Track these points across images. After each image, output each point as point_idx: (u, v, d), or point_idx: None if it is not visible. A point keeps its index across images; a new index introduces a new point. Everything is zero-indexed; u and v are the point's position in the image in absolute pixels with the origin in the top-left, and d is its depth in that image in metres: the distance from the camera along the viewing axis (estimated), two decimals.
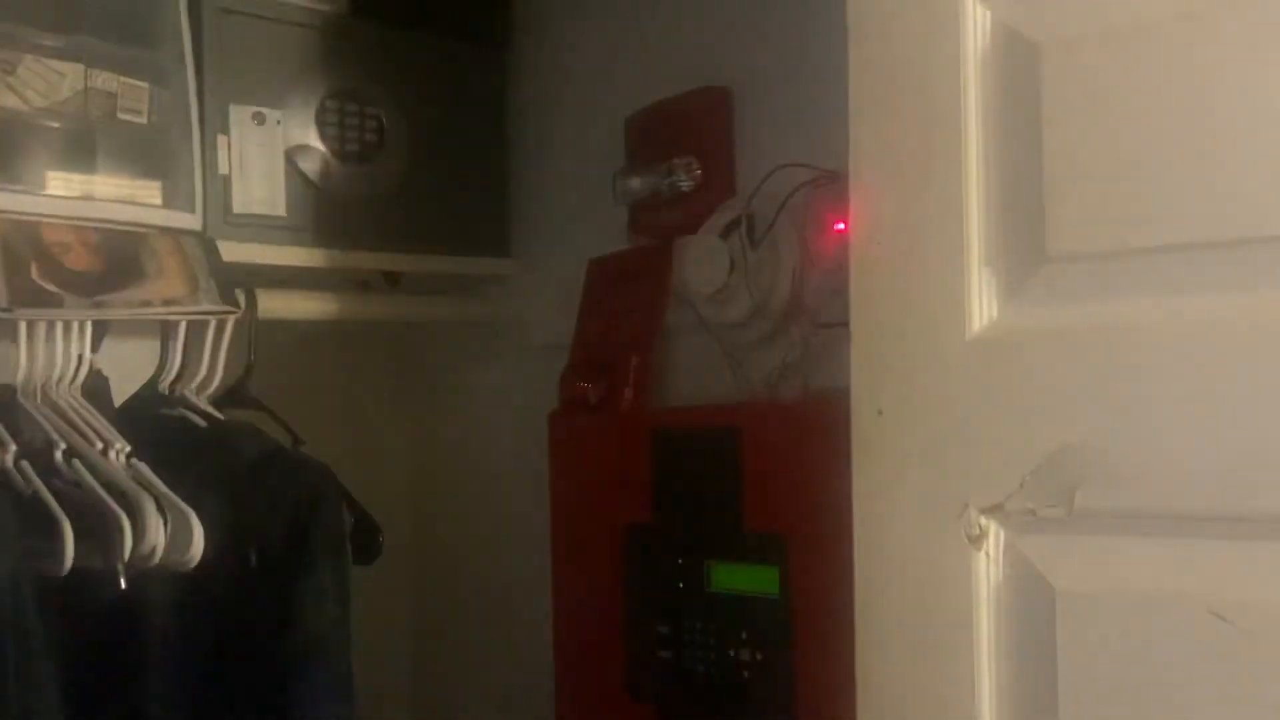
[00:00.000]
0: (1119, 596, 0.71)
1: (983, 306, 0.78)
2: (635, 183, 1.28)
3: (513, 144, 1.53)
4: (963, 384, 0.78)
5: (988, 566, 0.77)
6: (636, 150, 1.33)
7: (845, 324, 1.03)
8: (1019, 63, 0.77)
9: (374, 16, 1.43)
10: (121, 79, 1.19)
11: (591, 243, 1.40)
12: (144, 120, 1.21)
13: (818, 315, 1.07)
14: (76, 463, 1.02)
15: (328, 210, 1.37)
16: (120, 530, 0.96)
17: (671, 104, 1.29)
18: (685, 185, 1.23)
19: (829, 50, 1.16)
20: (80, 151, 1.17)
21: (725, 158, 1.24)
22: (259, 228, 1.32)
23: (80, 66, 1.17)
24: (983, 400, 0.77)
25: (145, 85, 1.20)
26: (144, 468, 1.04)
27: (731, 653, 1.08)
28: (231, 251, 1.27)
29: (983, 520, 0.77)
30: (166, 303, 1.16)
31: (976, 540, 0.77)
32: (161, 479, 1.04)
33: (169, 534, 0.99)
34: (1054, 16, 0.76)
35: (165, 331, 1.19)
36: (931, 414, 0.79)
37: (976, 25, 0.79)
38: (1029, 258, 0.77)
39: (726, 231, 1.10)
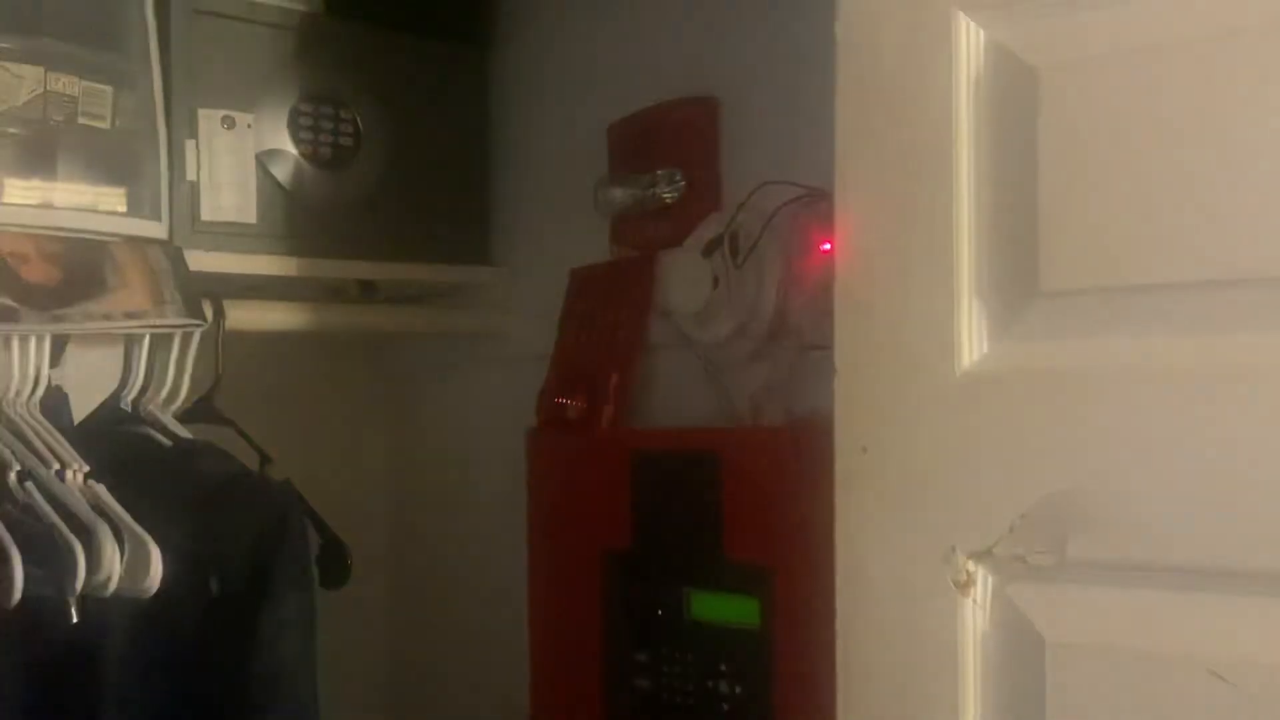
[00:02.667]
0: (1113, 651, 0.68)
1: (973, 341, 0.74)
2: (618, 193, 1.24)
3: (493, 149, 1.49)
4: (951, 422, 0.74)
5: (975, 613, 0.73)
6: (619, 159, 1.29)
7: (832, 347, 1.00)
8: (1015, 87, 0.73)
9: (350, 16, 1.38)
10: (83, 82, 1.15)
11: (573, 252, 1.36)
12: (107, 125, 1.16)
13: (803, 336, 1.03)
14: (30, 485, 0.98)
15: (301, 217, 1.33)
16: (73, 559, 0.92)
17: (656, 113, 1.25)
18: (669, 197, 1.19)
19: (820, 63, 1.12)
20: (39, 157, 1.12)
21: (711, 170, 1.20)
22: (228, 235, 1.28)
23: (40, 69, 1.12)
24: (971, 439, 0.74)
25: (108, 89, 1.16)
26: (102, 491, 1.00)
27: (710, 684, 1.05)
28: (199, 261, 1.23)
29: (970, 565, 0.73)
30: (129, 315, 1.12)
31: (963, 586, 0.74)
32: (121, 502, 1.00)
33: (125, 562, 0.95)
34: (1052, 40, 0.72)
35: (128, 345, 1.15)
36: (918, 452, 0.76)
37: (970, 46, 0.75)
38: (1022, 291, 0.73)
39: (710, 248, 1.06)
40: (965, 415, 0.74)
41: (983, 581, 0.73)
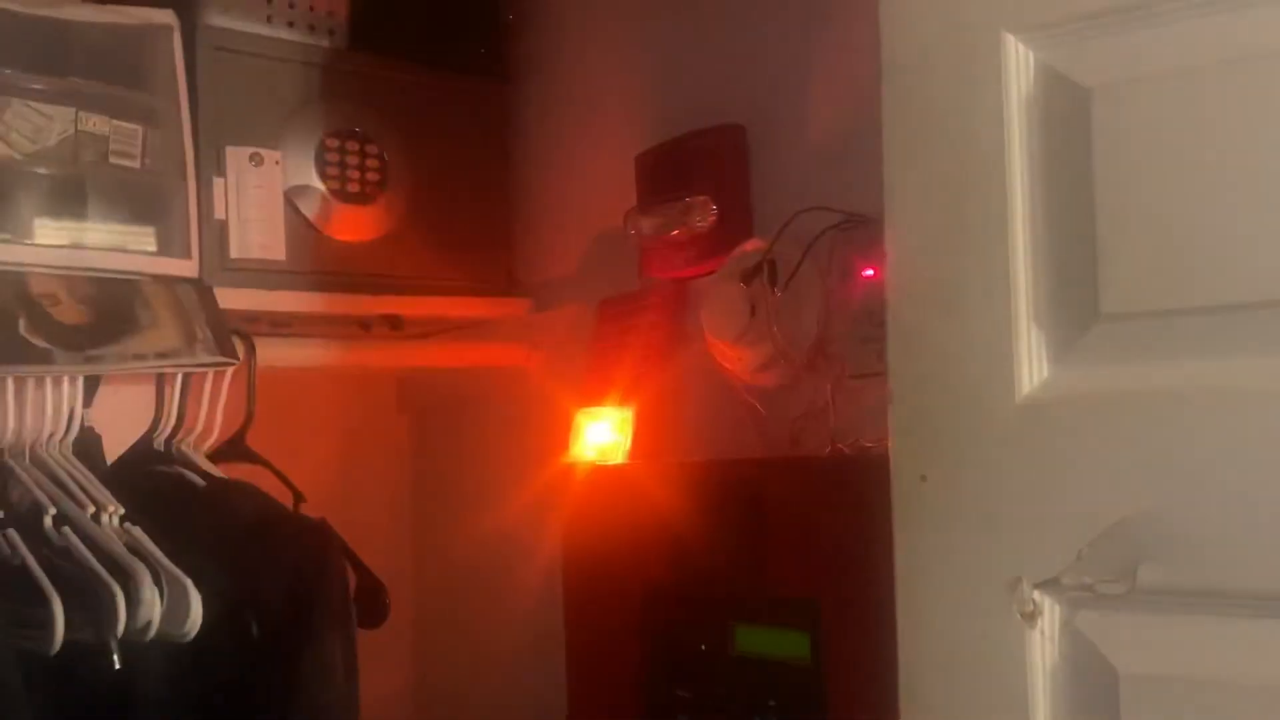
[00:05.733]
0: (1190, 683, 0.66)
1: (1032, 367, 0.73)
2: (648, 221, 1.24)
3: (518, 182, 1.49)
4: (1013, 449, 0.73)
5: (1043, 645, 0.72)
6: (648, 189, 1.28)
7: (875, 374, 0.99)
8: (1067, 108, 0.73)
9: (374, 51, 1.39)
10: (113, 122, 1.15)
11: (602, 283, 1.35)
12: (137, 164, 1.16)
13: (844, 364, 1.02)
14: (67, 530, 0.97)
15: (328, 253, 1.33)
16: (114, 604, 0.91)
17: (685, 142, 1.24)
18: (701, 225, 1.18)
19: (847, 89, 1.12)
20: (70, 198, 1.12)
21: (742, 197, 1.20)
22: (258, 273, 1.27)
23: (70, 110, 1.12)
24: (1035, 466, 0.72)
25: (138, 128, 1.16)
26: (138, 533, 0.98)
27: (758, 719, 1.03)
28: (229, 298, 1.22)
29: (1037, 595, 0.72)
30: (161, 355, 1.11)
31: (1030, 617, 0.72)
32: (157, 543, 0.99)
33: (165, 605, 0.93)
34: (1104, 59, 0.72)
35: (160, 384, 1.14)
36: (980, 481, 0.74)
37: (1019, 68, 0.75)
38: (1082, 315, 0.72)
39: (750, 275, 1.05)
40: (1027, 441, 0.73)
41: (1050, 611, 0.72)
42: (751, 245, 1.12)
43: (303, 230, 1.31)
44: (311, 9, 1.35)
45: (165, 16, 1.19)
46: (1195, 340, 0.68)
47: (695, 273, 1.21)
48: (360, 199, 1.35)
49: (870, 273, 0.97)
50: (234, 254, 1.25)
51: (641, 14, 1.35)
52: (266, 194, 1.28)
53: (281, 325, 1.40)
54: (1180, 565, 0.67)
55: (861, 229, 0.98)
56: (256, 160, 1.27)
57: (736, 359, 1.10)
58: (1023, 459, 0.73)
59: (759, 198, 1.20)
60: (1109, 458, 0.70)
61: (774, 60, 1.19)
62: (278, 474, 1.17)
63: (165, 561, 0.95)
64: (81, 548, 0.95)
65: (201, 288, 1.19)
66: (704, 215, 1.18)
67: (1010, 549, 0.73)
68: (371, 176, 1.36)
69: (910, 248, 0.79)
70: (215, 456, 1.17)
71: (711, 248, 1.19)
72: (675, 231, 1.22)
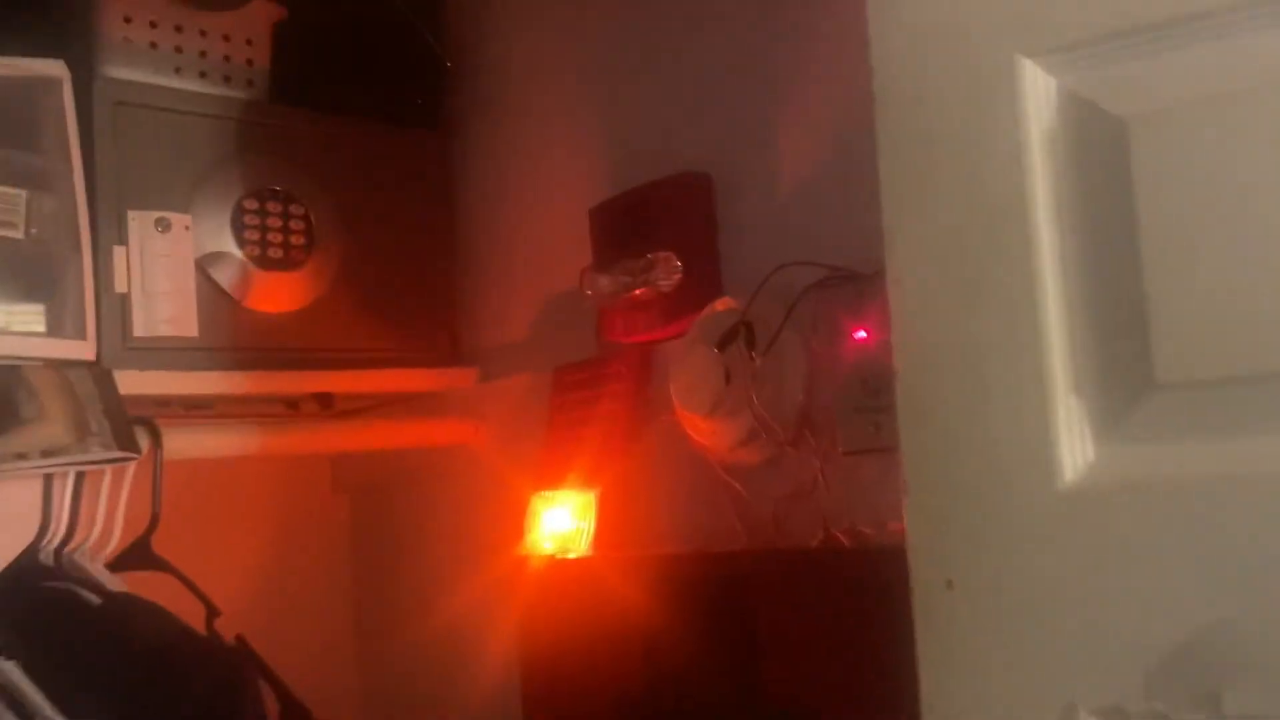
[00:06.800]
0: None
1: (1074, 448, 0.61)
2: (606, 280, 1.11)
3: (463, 241, 1.36)
4: (1057, 546, 0.61)
5: None
6: (605, 244, 1.16)
7: (872, 450, 0.87)
8: (1100, 141, 0.62)
9: (299, 103, 1.26)
10: None
11: (557, 349, 1.23)
12: (20, 234, 1.02)
13: (836, 438, 0.89)
14: None
15: (248, 327, 1.19)
16: None
17: (644, 192, 1.13)
18: (665, 283, 1.06)
19: (828, 127, 1.02)
20: None
21: (709, 252, 1.08)
22: (166, 352, 1.13)
23: None
24: (1085, 567, 0.60)
25: (20, 193, 1.02)
26: (13, 671, 0.83)
27: None
28: (133, 382, 1.08)
29: None
30: (47, 453, 0.96)
31: None
32: (40, 679, 0.83)
33: None
34: (1142, 83, 0.61)
35: (48, 486, 0.99)
36: (1018, 586, 0.62)
37: (1039, 95, 0.63)
38: (1131, 384, 0.60)
39: (726, 340, 0.93)
40: (1073, 537, 0.61)
41: None
42: (723, 304, 1.00)
43: (218, 302, 1.17)
44: (227, 59, 1.22)
45: (54, 68, 1.05)
46: (1273, 412, 0.57)
47: (661, 336, 1.09)
48: (283, 265, 1.22)
49: (862, 334, 0.85)
50: (138, 331, 1.10)
51: (593, 57, 1.24)
52: (175, 263, 1.14)
53: (198, 409, 1.26)
54: (1275, 690, 0.55)
55: (849, 285, 0.87)
56: (163, 226, 1.14)
57: (711, 433, 0.98)
58: (1069, 558, 0.61)
59: (728, 252, 1.08)
60: (1176, 555, 0.58)
61: (741, 100, 1.08)
62: (188, 584, 1.01)
63: (44, 708, 0.79)
64: None
65: (99, 371, 1.05)
66: (668, 272, 1.06)
67: (1060, 669, 0.60)
68: (296, 240, 1.23)
69: (918, 307, 0.67)
70: (117, 565, 1.02)
71: (678, 308, 1.07)
72: (637, 291, 1.09)
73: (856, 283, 0.86)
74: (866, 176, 0.94)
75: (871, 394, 0.85)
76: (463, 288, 1.36)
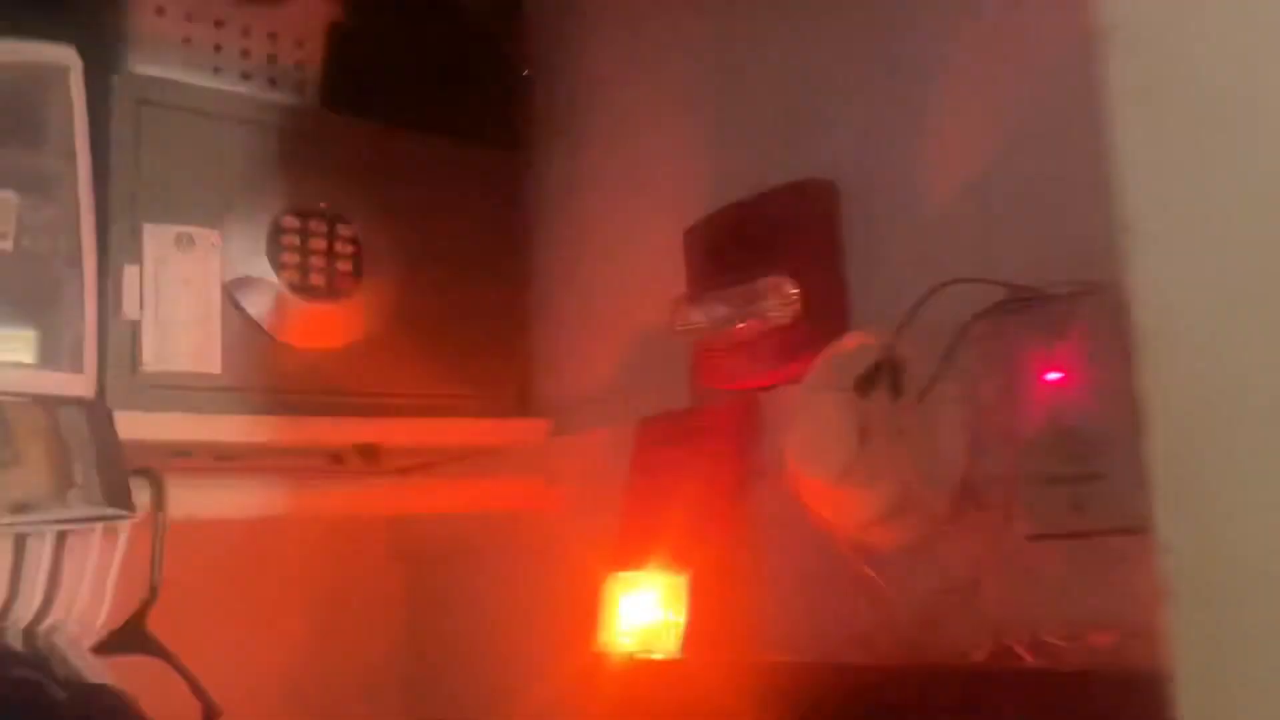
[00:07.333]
0: None
1: None
2: (703, 313, 0.91)
3: (537, 274, 1.18)
4: None
5: None
6: (702, 271, 0.96)
7: (1069, 535, 0.63)
8: None
9: (354, 111, 1.10)
10: None
11: (641, 399, 1.02)
12: (9, 244, 0.86)
13: (1014, 516, 0.66)
14: None
15: (283, 365, 1.02)
16: None
17: (751, 206, 0.93)
18: (778, 315, 0.85)
19: (978, 127, 0.81)
20: None
21: (833, 277, 0.87)
22: (183, 391, 0.96)
23: None
24: None
25: (12, 197, 0.86)
26: None
27: None
28: (140, 425, 0.91)
29: None
30: (17, 508, 0.78)
31: None
32: None
33: None
34: None
35: (19, 548, 0.81)
36: None
37: None
38: None
39: (865, 384, 0.71)
40: None
41: None
42: (855, 340, 0.78)
43: (248, 335, 1.00)
44: (273, 60, 1.07)
45: (63, 55, 0.90)
46: None
47: (771, 381, 0.88)
48: (326, 294, 1.04)
49: (1057, 376, 0.63)
50: (149, 366, 0.94)
51: (693, 55, 1.05)
52: (199, 287, 0.97)
53: (226, 459, 1.08)
54: None
55: (1036, 310, 0.64)
56: (186, 243, 0.97)
57: (840, 505, 0.76)
58: None
59: (857, 277, 0.87)
60: None
61: (872, 94, 0.88)
62: (184, 674, 0.82)
63: None
64: None
65: (96, 411, 0.87)
66: (782, 302, 0.85)
67: None
68: (343, 266, 1.06)
69: (1185, 330, 0.45)
70: (102, 648, 0.83)
71: (793, 346, 0.86)
72: (740, 325, 0.89)
73: (1048, 307, 0.64)
74: (1055, 176, 0.72)
75: (1071, 458, 0.62)
76: (535, 327, 1.17)
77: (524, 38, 1.22)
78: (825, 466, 0.75)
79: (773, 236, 0.91)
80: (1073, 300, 0.62)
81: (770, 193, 0.91)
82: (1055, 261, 0.68)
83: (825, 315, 0.85)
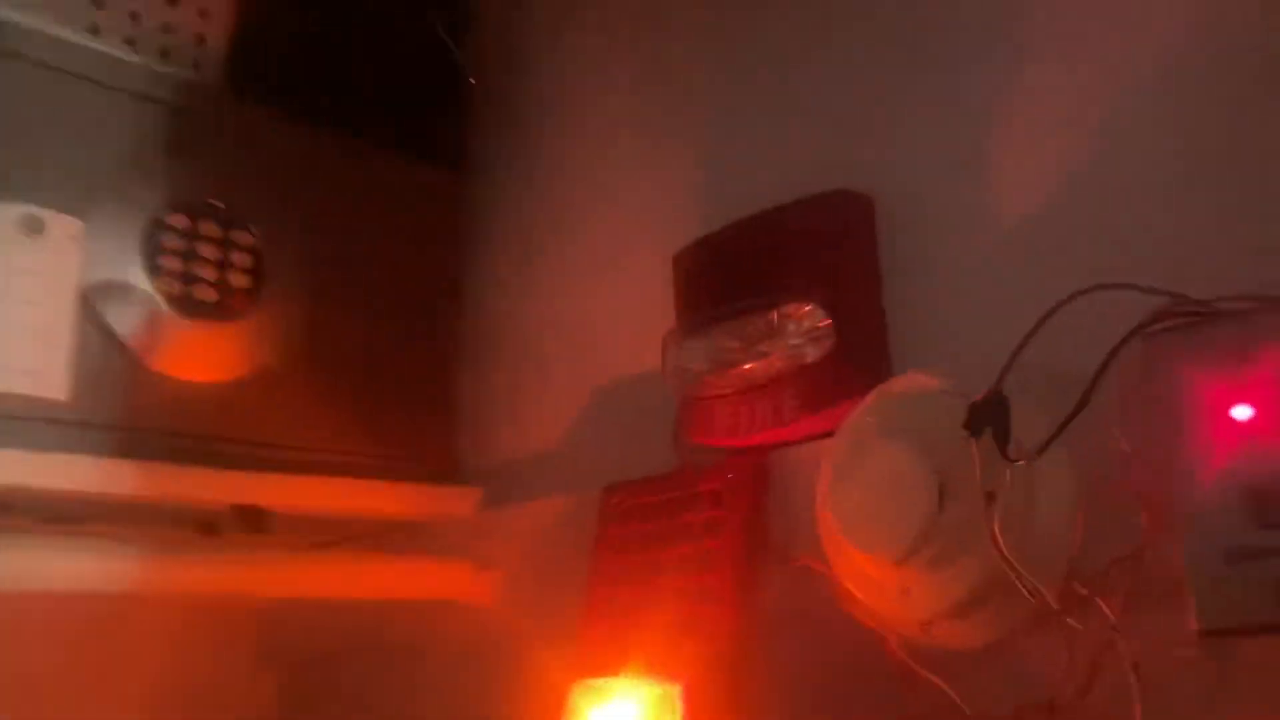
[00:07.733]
0: None
1: None
2: (700, 350, 0.73)
3: (471, 310, 0.99)
4: None
5: None
6: (695, 302, 0.78)
7: (1258, 628, 0.46)
8: None
9: (263, 100, 0.91)
10: None
11: (603, 459, 0.84)
12: None
13: (1182, 605, 0.49)
14: None
15: (152, 398, 0.81)
16: None
17: (761, 226, 0.76)
18: (809, 351, 0.67)
19: (1057, 126, 0.66)
20: None
21: (872, 306, 0.70)
22: (10, 421, 0.72)
23: None
24: None
25: None
26: None
27: None
28: None
29: None
30: None
31: None
32: None
33: None
34: None
35: None
36: None
37: None
38: None
39: (975, 422, 0.53)
40: None
41: None
42: (914, 380, 0.61)
43: (108, 354, 0.79)
44: (168, 29, 0.87)
45: None
46: None
47: (794, 434, 0.70)
48: (215, 314, 0.84)
49: (1246, 412, 0.46)
50: None
51: (674, 54, 0.89)
52: (47, 286, 0.75)
53: (63, 519, 0.84)
54: None
55: (1214, 327, 0.48)
56: (34, 226, 0.75)
57: (904, 593, 0.57)
58: None
59: (897, 306, 0.70)
60: None
61: (914, 94, 0.73)
62: None
63: None
64: None
65: None
66: (811, 334, 0.68)
67: None
68: (238, 281, 0.85)
69: None
70: None
71: (823, 389, 0.68)
72: (750, 365, 0.71)
73: (1232, 325, 0.47)
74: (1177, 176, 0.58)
75: (1271, 524, 0.45)
76: (468, 374, 0.98)
77: (476, 46, 1.06)
78: (890, 537, 0.56)
79: (788, 261, 0.74)
80: (1264, 316, 0.46)
81: (786, 207, 0.75)
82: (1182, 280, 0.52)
83: (865, 350, 0.68)
